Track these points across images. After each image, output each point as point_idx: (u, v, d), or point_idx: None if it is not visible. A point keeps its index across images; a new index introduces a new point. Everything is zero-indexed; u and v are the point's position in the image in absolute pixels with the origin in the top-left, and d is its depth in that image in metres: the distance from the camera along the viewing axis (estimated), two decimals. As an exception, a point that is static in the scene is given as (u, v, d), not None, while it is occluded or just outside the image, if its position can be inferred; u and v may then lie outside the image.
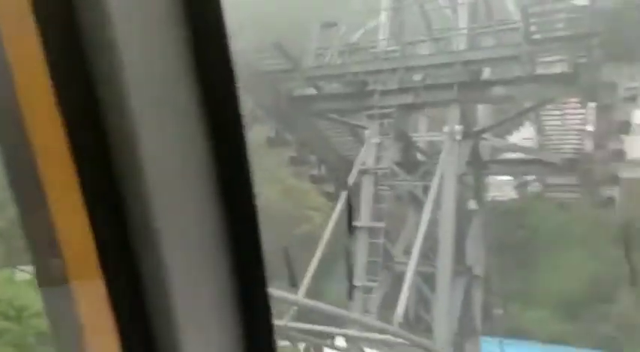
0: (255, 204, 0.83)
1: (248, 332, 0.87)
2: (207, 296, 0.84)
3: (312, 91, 8.88)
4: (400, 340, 6.37)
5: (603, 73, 6.56)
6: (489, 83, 7.91)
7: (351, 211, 7.81)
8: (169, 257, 0.74)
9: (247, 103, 8.29)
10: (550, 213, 33.91)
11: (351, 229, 7.98)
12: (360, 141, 10.05)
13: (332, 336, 7.76)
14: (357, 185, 8.30)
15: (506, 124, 9.64)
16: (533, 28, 6.82)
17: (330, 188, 10.53)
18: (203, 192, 0.78)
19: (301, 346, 25.79)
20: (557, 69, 7.37)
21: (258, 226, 0.84)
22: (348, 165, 10.02)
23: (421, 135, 9.97)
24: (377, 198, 8.19)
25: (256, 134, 14.34)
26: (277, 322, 7.60)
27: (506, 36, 8.44)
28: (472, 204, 9.56)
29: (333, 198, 10.60)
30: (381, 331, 6.63)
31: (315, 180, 10.47)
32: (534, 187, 11.54)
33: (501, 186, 20.76)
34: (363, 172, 8.23)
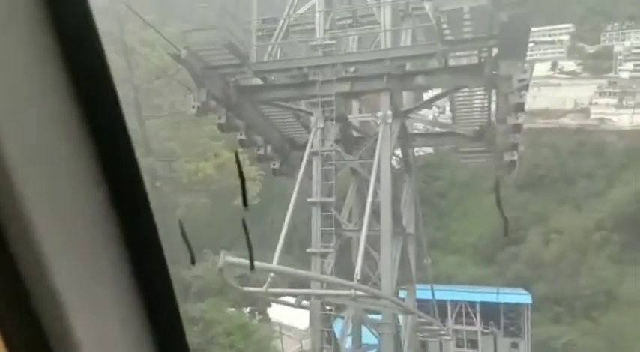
0: (151, 214, 0.86)
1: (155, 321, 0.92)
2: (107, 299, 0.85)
3: (258, 82, 9.83)
4: (361, 293, 7.84)
5: (501, 67, 8.30)
6: (412, 74, 9.41)
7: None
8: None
9: (202, 95, 9.12)
10: (462, 166, 37.49)
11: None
12: (301, 123, 11.37)
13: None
14: (309, 164, 9.51)
15: (427, 105, 11.27)
16: (445, 32, 8.33)
17: (275, 165, 11.68)
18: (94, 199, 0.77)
19: (246, 310, 27.12)
20: (466, 62, 9.02)
21: (156, 229, 0.88)
22: (291, 143, 11.41)
23: (355, 116, 11.27)
24: (325, 176, 9.48)
25: (210, 120, 15.18)
26: (257, 289, 8.82)
27: (426, 34, 9.94)
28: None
29: (277, 173, 11.93)
30: (346, 287, 8.05)
31: (261, 158, 11.56)
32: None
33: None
34: (312, 153, 9.45)
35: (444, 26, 8.18)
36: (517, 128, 9.22)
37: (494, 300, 29.35)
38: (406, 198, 10.77)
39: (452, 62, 8.90)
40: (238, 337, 14.90)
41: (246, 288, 9.02)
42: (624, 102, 79.99)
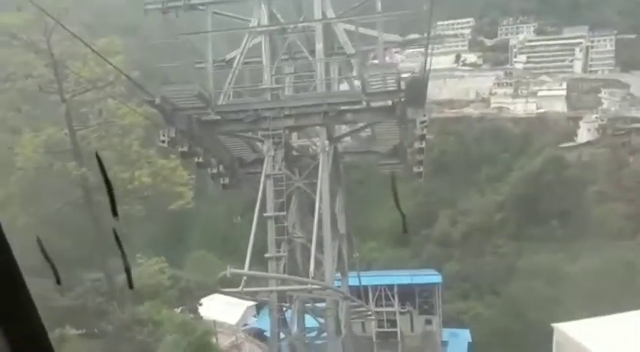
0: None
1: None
2: None
3: (217, 117, 11.49)
4: (316, 286, 9.91)
5: (408, 112, 10.77)
6: (343, 112, 11.60)
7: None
8: None
9: (171, 132, 10.61)
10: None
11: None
12: (249, 145, 13.24)
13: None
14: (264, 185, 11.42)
15: (354, 133, 13.50)
16: (368, 86, 10.63)
17: (225, 181, 13.42)
18: None
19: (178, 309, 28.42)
20: (383, 104, 11.37)
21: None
22: (240, 162, 13.29)
23: (294, 141, 13.23)
24: (277, 195, 11.41)
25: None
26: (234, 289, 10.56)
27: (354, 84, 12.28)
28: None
29: (226, 187, 13.70)
30: (303, 283, 10.07)
31: (214, 176, 13.22)
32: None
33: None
34: (267, 177, 11.35)
35: (368, 80, 10.49)
36: (421, 150, 11.85)
37: (410, 282, 33.04)
38: (338, 205, 12.94)
39: (373, 105, 11.23)
40: (182, 335, 16.34)
41: (225, 289, 10.70)
42: (519, 92, 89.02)
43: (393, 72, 10.81)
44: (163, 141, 11.16)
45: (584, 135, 73.38)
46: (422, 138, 11.20)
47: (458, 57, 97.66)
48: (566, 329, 19.01)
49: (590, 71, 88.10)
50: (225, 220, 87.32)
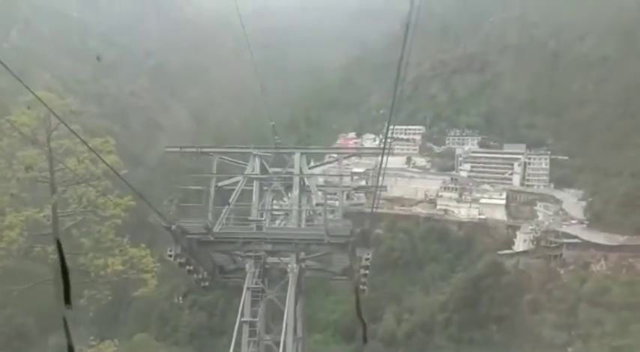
0: None
1: None
2: None
3: (211, 239, 14.07)
4: None
5: (357, 251, 13.84)
6: (309, 244, 14.53)
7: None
8: None
9: (177, 249, 13.07)
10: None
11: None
12: (232, 259, 15.85)
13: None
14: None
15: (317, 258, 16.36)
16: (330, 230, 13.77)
17: (205, 284, 15.63)
18: None
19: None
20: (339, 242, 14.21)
21: None
22: (220, 269, 15.75)
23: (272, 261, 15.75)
24: (253, 303, 13.80)
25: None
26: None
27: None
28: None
29: (206, 289, 15.92)
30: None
31: (198, 280, 15.43)
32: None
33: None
34: (247, 288, 13.75)
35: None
36: (365, 275, 14.75)
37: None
38: (299, 311, 15.15)
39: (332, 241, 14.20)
40: None
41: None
42: (463, 197, 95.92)
43: (348, 224, 14.03)
44: (170, 256, 13.52)
45: (520, 244, 79.23)
46: (366, 267, 14.11)
47: (409, 159, 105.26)
48: None
49: (527, 185, 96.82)
50: (168, 300, 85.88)
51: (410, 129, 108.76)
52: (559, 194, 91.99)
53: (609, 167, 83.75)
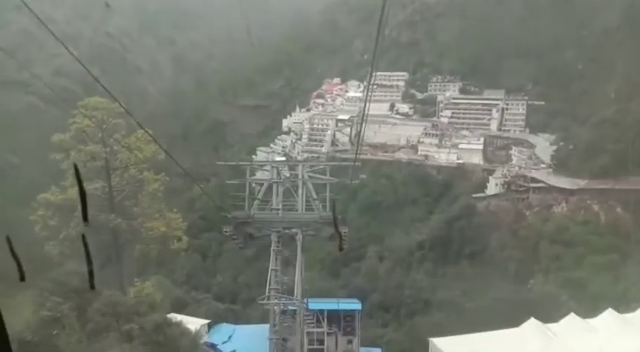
0: None
1: None
2: None
3: (250, 221, 22.00)
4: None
5: (339, 227, 21.92)
6: (310, 223, 22.53)
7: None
8: None
9: (230, 228, 20.89)
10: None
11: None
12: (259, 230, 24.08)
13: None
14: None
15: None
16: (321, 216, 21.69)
17: (240, 245, 23.70)
18: None
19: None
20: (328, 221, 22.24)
21: None
22: (250, 236, 23.96)
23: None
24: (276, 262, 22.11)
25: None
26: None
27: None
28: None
29: (241, 248, 24.03)
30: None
31: (236, 243, 23.50)
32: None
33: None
34: (273, 250, 21.86)
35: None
36: (343, 240, 22.85)
37: (336, 308, 43.72)
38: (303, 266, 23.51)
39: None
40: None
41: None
42: (443, 143, 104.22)
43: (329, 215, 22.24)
44: (226, 232, 21.55)
45: (492, 188, 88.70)
46: (344, 235, 22.28)
47: (392, 106, 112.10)
48: (436, 342, 30.96)
49: (504, 130, 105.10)
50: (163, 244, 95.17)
51: (393, 76, 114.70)
52: (533, 139, 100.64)
53: (579, 114, 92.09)
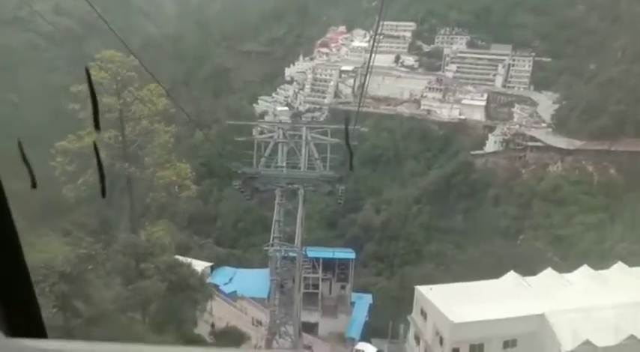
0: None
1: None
2: None
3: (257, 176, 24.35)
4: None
5: (337, 185, 24.32)
6: (311, 180, 24.92)
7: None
8: None
9: (239, 182, 23.27)
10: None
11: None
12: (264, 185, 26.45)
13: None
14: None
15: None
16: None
17: (247, 196, 26.18)
18: None
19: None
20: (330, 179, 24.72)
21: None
22: (256, 189, 26.43)
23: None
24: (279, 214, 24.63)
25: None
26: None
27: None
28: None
29: (247, 198, 26.56)
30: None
31: (244, 195, 25.96)
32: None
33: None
34: (277, 204, 24.32)
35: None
36: (342, 193, 25.29)
37: (331, 257, 47.00)
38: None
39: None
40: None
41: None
42: (446, 98, 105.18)
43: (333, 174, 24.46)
44: (236, 185, 23.97)
45: (491, 145, 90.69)
46: (342, 192, 24.77)
47: (397, 58, 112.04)
48: (422, 290, 34.08)
49: (508, 87, 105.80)
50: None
51: (400, 26, 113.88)
52: (537, 96, 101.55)
53: (585, 72, 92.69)
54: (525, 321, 29.46)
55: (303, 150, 25.45)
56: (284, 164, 25.70)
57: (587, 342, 27.92)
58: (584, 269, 35.90)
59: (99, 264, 19.76)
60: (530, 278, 34.54)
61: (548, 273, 34.98)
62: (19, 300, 1.54)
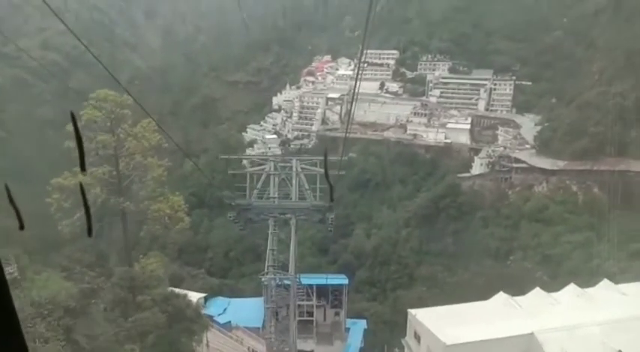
0: None
1: None
2: None
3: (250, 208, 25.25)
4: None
5: (327, 215, 25.40)
6: (302, 210, 25.82)
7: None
8: None
9: (234, 214, 24.12)
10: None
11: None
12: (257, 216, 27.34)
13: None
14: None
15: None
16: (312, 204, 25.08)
17: (240, 227, 26.97)
18: None
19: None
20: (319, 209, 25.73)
21: None
22: (249, 220, 27.29)
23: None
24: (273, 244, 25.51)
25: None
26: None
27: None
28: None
29: (242, 229, 27.38)
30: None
31: (238, 227, 26.76)
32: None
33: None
34: (271, 233, 25.20)
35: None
36: (331, 224, 26.22)
37: (325, 283, 47.51)
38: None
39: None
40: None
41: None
42: (431, 122, 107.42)
43: (323, 204, 25.42)
44: (230, 217, 24.76)
45: (477, 168, 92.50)
46: (332, 220, 25.65)
47: (382, 84, 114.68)
48: (414, 312, 34.71)
49: (491, 110, 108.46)
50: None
51: (384, 54, 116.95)
52: (519, 119, 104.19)
53: (564, 95, 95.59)
54: (515, 341, 30.11)
55: (294, 181, 26.48)
56: (276, 195, 26.68)
57: (577, 359, 28.64)
58: (571, 288, 36.76)
59: (100, 297, 20.32)
60: (519, 298, 35.31)
61: (537, 293, 35.77)
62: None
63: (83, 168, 3.13)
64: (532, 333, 30.22)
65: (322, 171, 26.88)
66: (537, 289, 36.89)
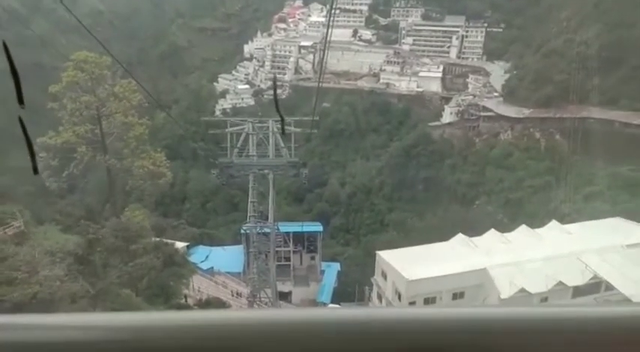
0: None
1: None
2: None
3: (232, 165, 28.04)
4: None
5: (301, 170, 28.18)
6: (278, 166, 28.78)
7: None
8: None
9: (217, 171, 26.84)
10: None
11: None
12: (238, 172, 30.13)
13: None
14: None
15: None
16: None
17: (222, 181, 29.80)
18: None
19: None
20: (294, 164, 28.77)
21: None
22: (231, 176, 30.11)
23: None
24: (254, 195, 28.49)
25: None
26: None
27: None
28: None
29: (224, 184, 30.19)
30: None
31: (220, 182, 29.57)
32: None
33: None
34: (251, 187, 28.12)
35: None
36: (305, 176, 29.31)
37: (300, 231, 51.30)
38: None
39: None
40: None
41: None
42: (404, 71, 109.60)
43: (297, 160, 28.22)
44: (213, 173, 27.48)
45: (447, 117, 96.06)
46: (306, 174, 28.72)
47: (355, 32, 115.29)
48: (382, 254, 38.85)
49: (462, 58, 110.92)
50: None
51: (356, 0, 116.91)
52: (489, 66, 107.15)
53: (533, 42, 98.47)
54: (470, 275, 34.49)
55: (271, 140, 29.26)
56: (254, 153, 29.44)
57: (523, 290, 33.21)
58: (523, 228, 41.29)
59: (102, 246, 23.16)
60: (475, 239, 39.64)
61: (492, 233, 40.16)
62: None
63: (21, 100, 2.52)
64: (485, 269, 34.65)
65: (296, 130, 29.77)
66: (492, 230, 41.30)
